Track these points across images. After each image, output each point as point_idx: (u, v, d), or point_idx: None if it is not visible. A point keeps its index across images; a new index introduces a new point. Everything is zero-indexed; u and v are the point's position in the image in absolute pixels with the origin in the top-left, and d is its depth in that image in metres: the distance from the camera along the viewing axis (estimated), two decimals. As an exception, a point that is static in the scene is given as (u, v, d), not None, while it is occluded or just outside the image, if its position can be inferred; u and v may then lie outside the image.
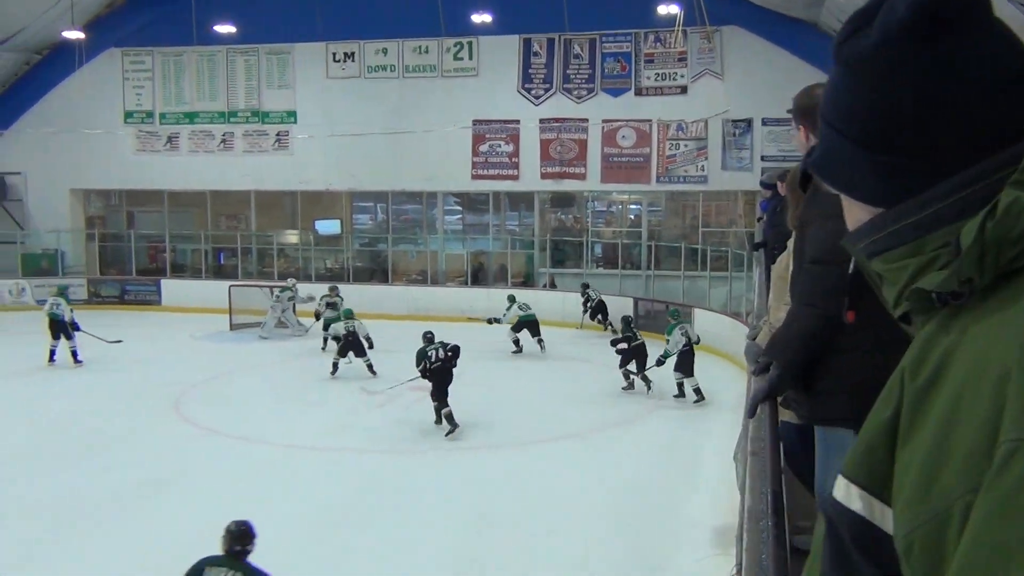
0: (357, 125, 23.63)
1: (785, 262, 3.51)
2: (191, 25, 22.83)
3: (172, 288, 24.42)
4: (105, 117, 25.52)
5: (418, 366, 12.64)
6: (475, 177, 23.76)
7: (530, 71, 23.12)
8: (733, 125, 21.65)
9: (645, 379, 14.74)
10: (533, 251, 23.96)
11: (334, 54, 24.25)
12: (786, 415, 2.78)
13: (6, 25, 23.26)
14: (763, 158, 21.34)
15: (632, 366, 14.90)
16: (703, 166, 22.12)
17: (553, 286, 23.22)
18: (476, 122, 23.46)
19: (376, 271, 25.00)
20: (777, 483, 1.88)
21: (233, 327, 20.86)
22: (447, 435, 12.17)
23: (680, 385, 14.40)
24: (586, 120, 22.78)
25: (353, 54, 24.17)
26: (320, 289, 20.65)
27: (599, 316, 20.44)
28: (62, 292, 18.40)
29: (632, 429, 12.94)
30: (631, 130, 22.57)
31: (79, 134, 25.38)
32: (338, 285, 20.25)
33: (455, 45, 23.43)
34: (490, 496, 9.88)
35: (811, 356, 2.40)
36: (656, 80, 22.27)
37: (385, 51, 23.93)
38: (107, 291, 24.85)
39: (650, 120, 22.33)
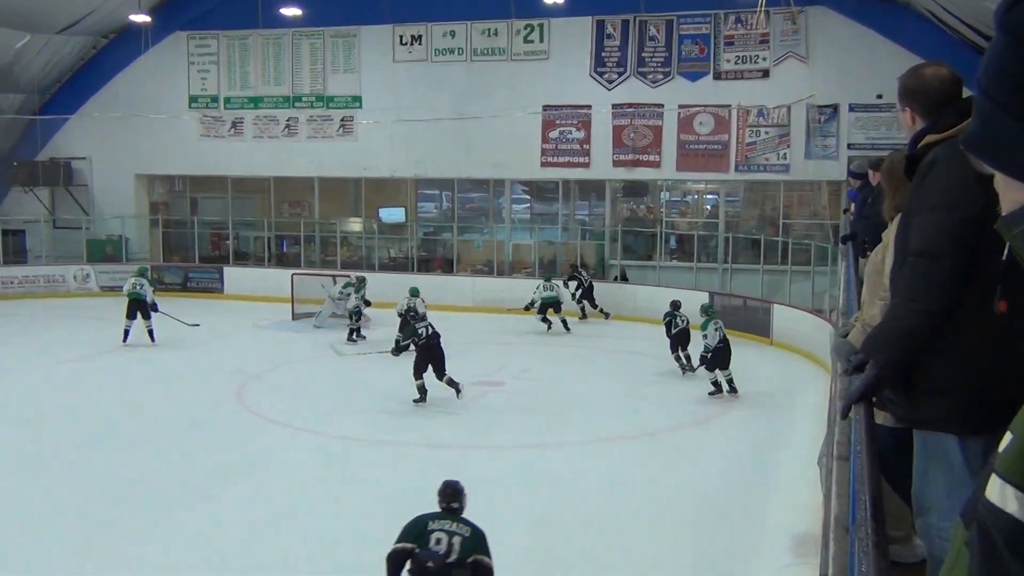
0: (423, 110, 23.78)
1: (880, 255, 3.41)
2: (257, 8, 23.22)
3: (234, 276, 24.90)
4: (170, 102, 26.12)
5: (405, 339, 14.54)
6: (544, 164, 23.71)
7: (603, 54, 22.97)
8: (818, 111, 21.21)
9: (687, 360, 15.69)
10: (604, 242, 23.84)
11: (400, 37, 24.42)
12: (880, 417, 2.71)
13: (74, 9, 23.93)
14: (850, 146, 20.87)
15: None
16: (785, 154, 21.73)
17: (624, 279, 23.08)
18: (546, 107, 23.41)
19: (441, 260, 25.14)
20: (876, 489, 1.82)
21: (295, 316, 21.17)
22: (415, 402, 13.48)
23: (715, 382, 14.35)
24: (661, 105, 22.55)
25: (420, 37, 24.30)
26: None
27: (585, 301, 21.32)
28: (143, 273, 19.42)
29: (705, 429, 12.81)
30: (709, 116, 22.28)
31: (144, 119, 26.03)
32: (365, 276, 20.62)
33: (525, 27, 23.39)
34: (555, 495, 9.87)
35: (912, 356, 2.32)
36: (736, 63, 21.93)
37: (453, 34, 24.01)
38: (170, 278, 25.44)
39: (729, 105, 22.02)
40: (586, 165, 23.41)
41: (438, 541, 5.89)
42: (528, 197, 25.69)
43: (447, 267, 24.67)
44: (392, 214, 25.73)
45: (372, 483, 10.24)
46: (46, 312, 21.43)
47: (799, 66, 21.31)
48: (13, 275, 24.61)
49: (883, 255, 3.40)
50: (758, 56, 21.68)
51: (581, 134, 23.32)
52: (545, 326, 20.15)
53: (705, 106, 22.22)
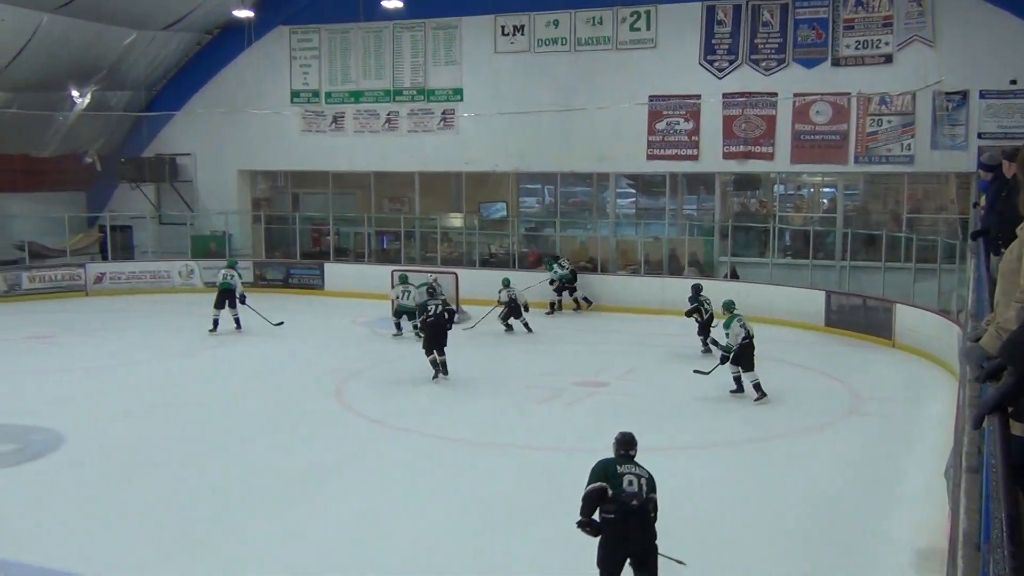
0: (525, 102, 23.85)
1: (1016, 252, 3.27)
2: (358, 1, 23.64)
3: (335, 272, 25.44)
4: (272, 97, 26.86)
5: (419, 316, 15.97)
6: (650, 157, 23.51)
7: (713, 41, 22.63)
8: (946, 98, 20.44)
9: (713, 343, 16.66)
10: (713, 238, 23.50)
11: (503, 27, 24.54)
12: (1017, 428, 2.59)
13: (179, 5, 24.82)
14: (980, 135, 20.08)
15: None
16: (909, 144, 21.02)
17: (735, 276, 22.71)
18: (652, 98, 23.20)
19: (542, 256, 25.17)
20: (1013, 507, 1.74)
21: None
22: (433, 379, 14.99)
23: (737, 379, 14.16)
24: (775, 94, 22.09)
25: (523, 27, 24.37)
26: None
27: (564, 293, 22.36)
28: (233, 264, 20.46)
29: (820, 436, 12.49)
30: (827, 105, 21.72)
31: (247, 114, 26.84)
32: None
33: (631, 15, 23.22)
34: (662, 501, 9.74)
35: None
36: (856, 48, 21.32)
37: (556, 23, 24.00)
38: (272, 274, 26.16)
39: (848, 93, 21.42)
40: (695, 157, 23.11)
41: (630, 483, 6.84)
42: (633, 191, 25.51)
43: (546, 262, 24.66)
44: (493, 209, 25.90)
45: (470, 484, 10.32)
46: (152, 307, 22.28)
47: (925, 50, 20.58)
48: (121, 271, 25.67)
49: (1019, 252, 3.26)
50: (880, 40, 21.02)
51: (689, 125, 23.03)
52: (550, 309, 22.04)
53: (822, 94, 21.67)
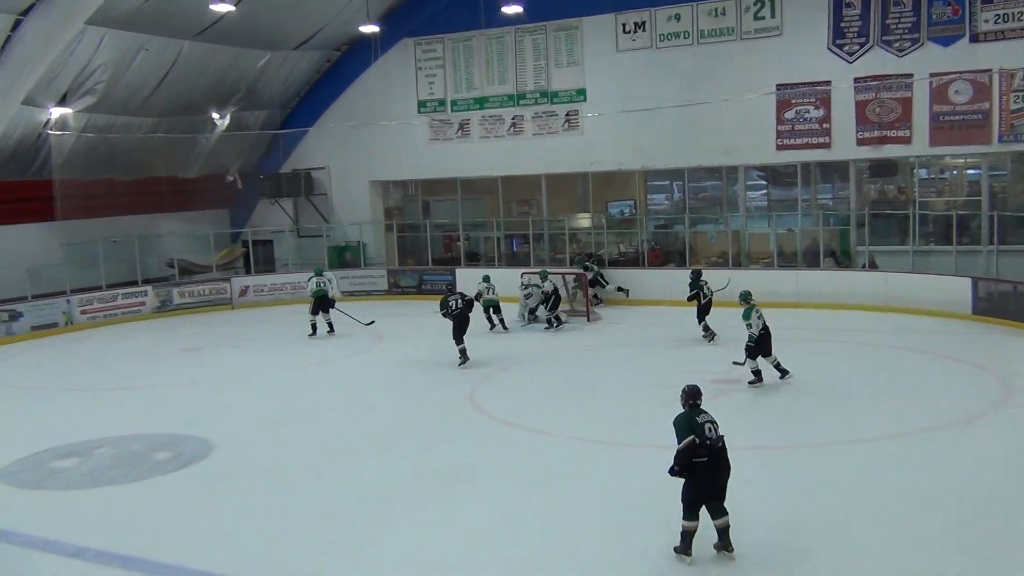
0: (649, 99, 23.66)
1: None
2: (479, 9, 23.96)
3: (466, 277, 25.77)
4: (400, 108, 27.50)
5: (441, 311, 17.25)
6: (780, 148, 22.98)
7: (842, 25, 21.96)
8: (1098, 68, 19.29)
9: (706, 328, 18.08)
10: (849, 227, 22.78)
11: (624, 25, 24.43)
12: None
13: (308, 25, 25.71)
14: None
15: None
16: (1058, 120, 19.93)
17: (874, 266, 21.96)
18: (780, 87, 22.67)
19: (672, 254, 24.94)
20: None
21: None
22: (460, 365, 16.59)
23: (757, 372, 14.35)
24: (910, 76, 21.26)
25: (644, 23, 24.21)
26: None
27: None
28: (321, 272, 21.77)
29: (968, 430, 11.96)
30: (966, 83, 20.78)
31: (376, 127, 27.57)
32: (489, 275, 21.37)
33: (755, 3, 22.78)
34: (799, 502, 9.56)
35: None
36: (996, 23, 20.32)
37: (678, 17, 23.75)
38: (405, 282, 26.76)
39: (989, 70, 20.44)
40: (827, 146, 22.47)
41: (710, 429, 8.14)
42: (764, 183, 24.98)
43: (676, 260, 24.41)
44: (621, 208, 25.82)
45: (607, 485, 10.33)
46: (292, 317, 23.05)
47: (1073, 19, 19.47)
48: (263, 283, 26.73)
49: None
50: (1022, 13, 19.98)
51: (820, 112, 22.41)
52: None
53: (961, 72, 20.75)
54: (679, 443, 8.04)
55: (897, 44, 21.38)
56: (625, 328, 20.40)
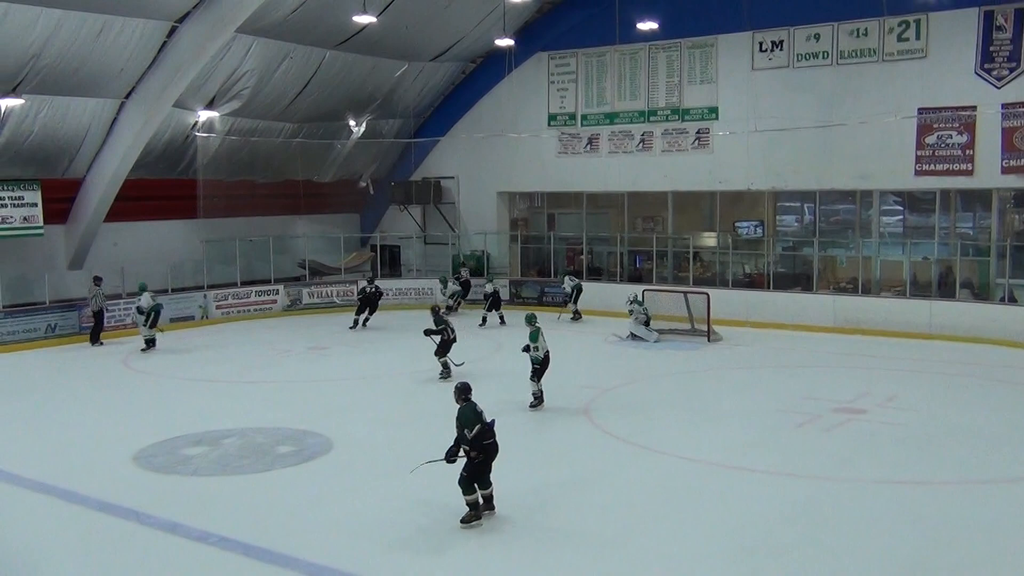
0: (783, 119, 23.19)
1: None
2: (614, 24, 23.96)
3: (588, 291, 25.74)
4: (530, 120, 27.72)
5: (437, 329, 17.23)
6: (919, 173, 22.17)
7: (991, 48, 21.08)
8: None
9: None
10: (989, 258, 21.80)
11: (760, 43, 24.04)
12: None
13: (446, 37, 26.20)
14: None
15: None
16: None
17: (1013, 300, 20.95)
18: (922, 110, 21.90)
19: (800, 277, 24.34)
20: None
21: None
22: (442, 378, 16.82)
23: (537, 395, 14.83)
24: (1062, 103, 20.28)
25: (782, 42, 23.77)
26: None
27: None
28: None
29: (1114, 478, 11.28)
30: (1125, 112, 19.69)
31: (506, 138, 27.85)
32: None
33: (899, 24, 22.07)
34: (926, 539, 9.18)
35: None
36: None
37: (817, 36, 23.22)
38: (527, 292, 26.90)
39: None
40: (969, 172, 21.57)
41: (486, 416, 9.66)
42: (900, 208, 24.14)
43: (803, 283, 23.82)
44: (749, 228, 25.37)
45: (723, 510, 10.13)
46: (416, 322, 23.38)
47: None
48: (389, 287, 27.28)
49: None
50: None
51: (963, 138, 21.55)
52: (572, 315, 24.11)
53: (1120, 100, 19.66)
54: (468, 433, 9.39)
55: (1050, 69, 20.41)
56: (746, 351, 20.01)
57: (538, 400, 14.83)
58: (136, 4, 19.35)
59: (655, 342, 20.79)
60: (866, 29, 22.56)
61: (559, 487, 10.92)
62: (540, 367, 14.79)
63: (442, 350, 17.29)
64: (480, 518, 9.56)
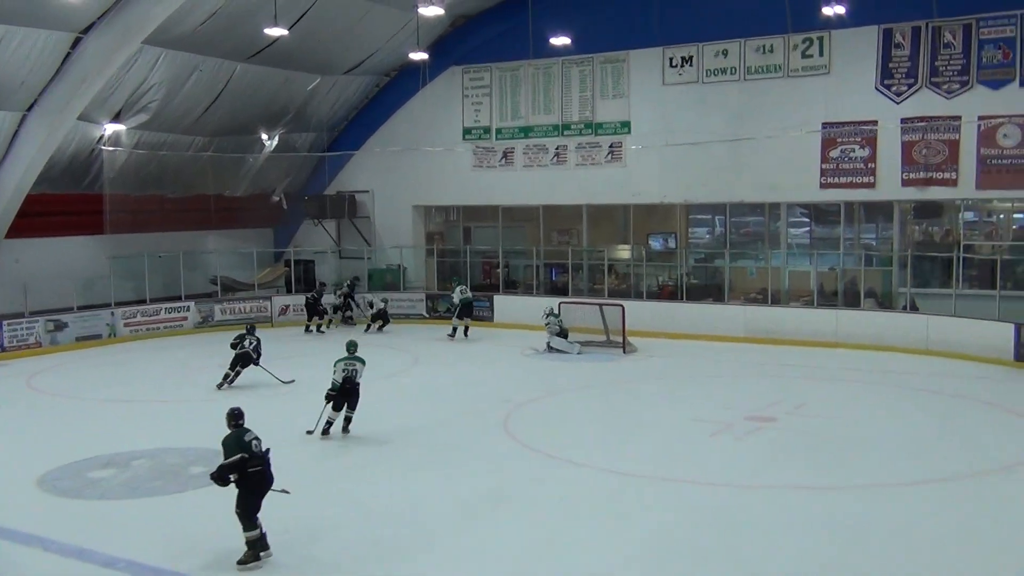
0: (693, 133, 23.66)
1: None
2: (528, 39, 24.13)
3: (504, 304, 25.85)
4: (445, 134, 27.73)
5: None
6: (824, 186, 22.84)
7: (890, 65, 21.85)
8: None
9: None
10: (891, 268, 22.53)
11: (671, 59, 24.49)
12: None
13: (359, 51, 26.06)
14: None
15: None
16: (1109, 167, 19.65)
17: (915, 308, 21.69)
18: (826, 125, 22.57)
19: (712, 288, 24.79)
20: None
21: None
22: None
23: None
24: (958, 118, 21.08)
25: (691, 58, 24.25)
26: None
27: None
28: (460, 280, 24.99)
29: (1012, 477, 11.74)
30: (1015, 127, 20.56)
31: (421, 152, 27.81)
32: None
33: (803, 41, 22.73)
34: (838, 544, 9.41)
35: None
36: (1048, 67, 20.14)
37: (725, 53, 23.76)
38: (443, 306, 26.79)
39: (1039, 115, 20.24)
40: (871, 185, 22.30)
41: (256, 445, 9.22)
42: (807, 220, 24.81)
43: (715, 294, 24.25)
44: (662, 241, 25.77)
45: (639, 519, 10.24)
46: (333, 337, 23.17)
47: None
48: (302, 303, 26.87)
49: None
50: (1074, 58, 19.80)
51: (866, 152, 22.26)
52: (454, 331, 23.36)
53: (1011, 116, 20.54)
54: (224, 460, 9.12)
55: (946, 86, 21.22)
56: (661, 362, 20.28)
57: (327, 427, 13.87)
58: (38, 14, 18.78)
59: (578, 354, 20.93)
60: (772, 46, 23.17)
61: (479, 502, 10.89)
62: (335, 392, 13.80)
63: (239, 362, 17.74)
64: (260, 559, 9.01)
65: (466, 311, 23.69)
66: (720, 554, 9.19)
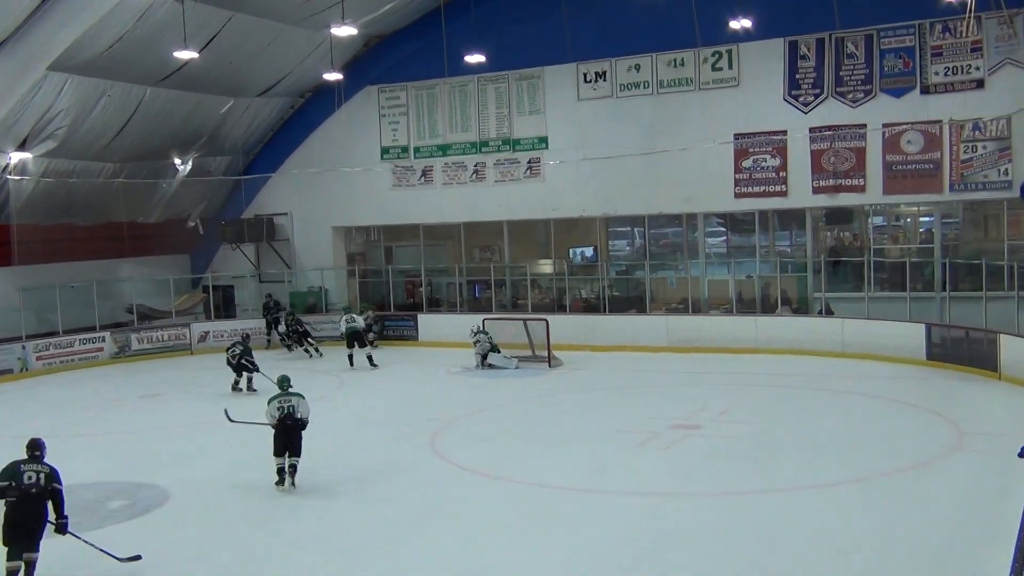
0: (610, 147, 23.98)
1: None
2: (443, 57, 24.19)
3: (428, 322, 25.78)
4: (363, 154, 27.60)
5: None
6: (739, 195, 23.32)
7: (797, 76, 22.46)
8: (1043, 120, 19.83)
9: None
10: (806, 274, 23.10)
11: (584, 74, 24.78)
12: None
13: (272, 72, 25.80)
14: (1083, 157, 19.40)
15: None
16: (1007, 170, 20.43)
17: (830, 312, 22.24)
18: (738, 136, 23.07)
19: (634, 299, 25.07)
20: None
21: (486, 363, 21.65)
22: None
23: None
24: (864, 126, 21.76)
25: (604, 73, 24.58)
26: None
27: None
28: (349, 309, 23.87)
29: (924, 474, 12.09)
30: (918, 133, 21.30)
31: (339, 173, 27.62)
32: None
33: (713, 55, 23.22)
34: (763, 546, 9.57)
35: None
36: (946, 75, 20.90)
37: (638, 67, 24.14)
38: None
39: (940, 121, 20.98)
40: (783, 194, 22.85)
41: (30, 477, 8.85)
42: (724, 230, 25.28)
43: (638, 305, 24.52)
44: (583, 254, 26.01)
45: (569, 532, 10.27)
46: (258, 362, 22.84)
47: (1018, 73, 20.08)
48: (223, 328, 26.45)
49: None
50: (970, 66, 20.58)
51: (777, 161, 22.81)
52: (349, 363, 22.19)
53: (913, 123, 21.28)
54: None
55: (851, 95, 21.87)
56: (586, 374, 20.44)
57: (279, 476, 12.23)
58: (-65, 41, 18.25)
59: (516, 368, 20.94)
60: (683, 60, 23.62)
61: (408, 522, 10.81)
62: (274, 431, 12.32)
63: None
64: None
65: (355, 339, 22.28)
66: (648, 563, 9.29)
